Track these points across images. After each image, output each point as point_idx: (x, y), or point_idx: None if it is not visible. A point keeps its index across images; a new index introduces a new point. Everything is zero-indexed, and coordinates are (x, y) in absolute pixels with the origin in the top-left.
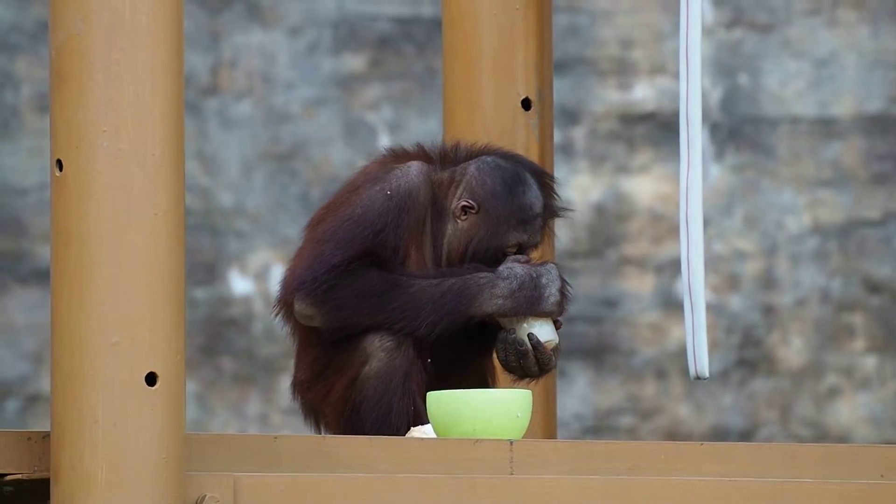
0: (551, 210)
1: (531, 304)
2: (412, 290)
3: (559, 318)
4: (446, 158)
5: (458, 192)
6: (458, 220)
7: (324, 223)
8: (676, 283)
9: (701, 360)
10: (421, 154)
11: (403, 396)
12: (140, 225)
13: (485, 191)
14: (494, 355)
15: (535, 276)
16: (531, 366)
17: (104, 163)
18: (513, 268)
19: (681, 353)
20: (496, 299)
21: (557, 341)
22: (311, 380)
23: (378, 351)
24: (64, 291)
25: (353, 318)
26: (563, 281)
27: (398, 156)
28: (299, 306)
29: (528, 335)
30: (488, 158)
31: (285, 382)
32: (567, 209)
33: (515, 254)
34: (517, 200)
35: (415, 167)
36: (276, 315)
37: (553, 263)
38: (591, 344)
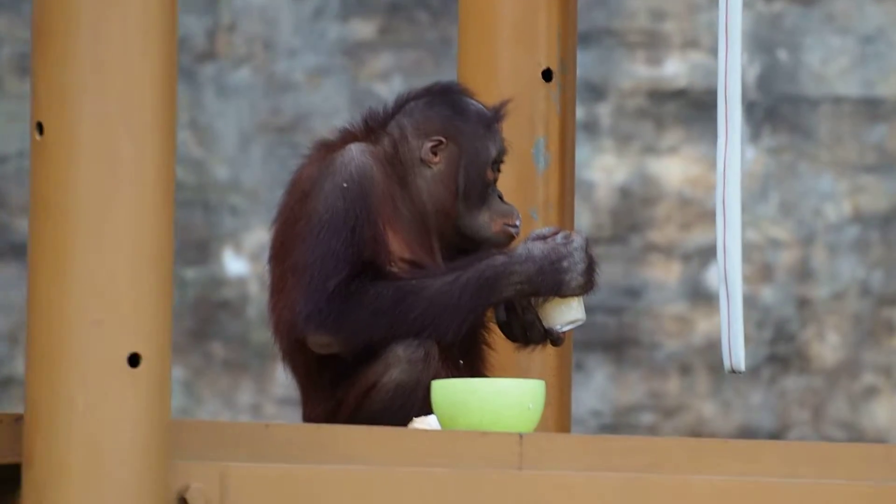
0: (497, 112)
1: (553, 288)
2: (427, 293)
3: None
4: (373, 127)
5: (413, 143)
6: (433, 165)
7: (293, 248)
8: (704, 272)
9: (737, 352)
10: (349, 135)
11: (423, 412)
12: (126, 195)
13: (440, 121)
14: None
15: (555, 257)
16: (536, 334)
17: (89, 127)
18: (531, 249)
19: (707, 348)
20: (514, 285)
21: (584, 319)
22: (326, 411)
23: (402, 361)
24: (42, 265)
25: (374, 336)
26: (589, 258)
27: (328, 147)
28: (314, 339)
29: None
30: (412, 103)
31: (280, 371)
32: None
33: (496, 170)
34: (470, 111)
35: (355, 148)
36: (283, 362)
37: (581, 236)
38: (612, 336)
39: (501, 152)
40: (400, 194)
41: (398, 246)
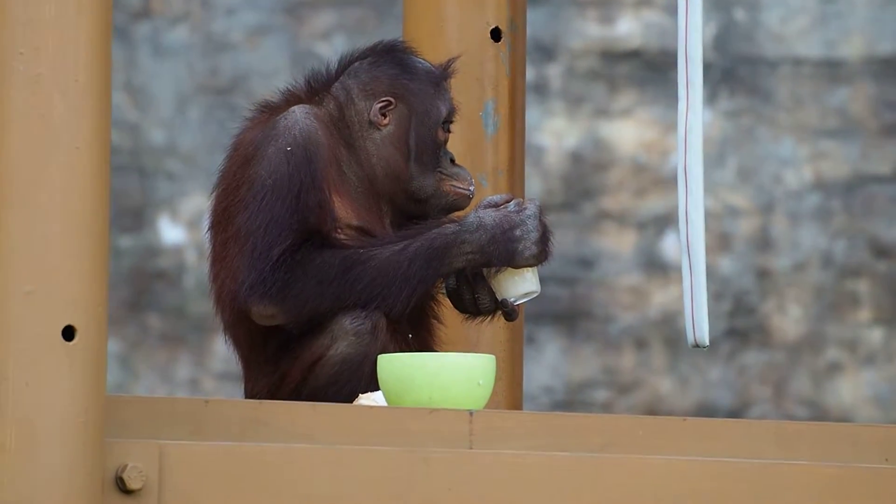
0: (445, 70)
1: (505, 258)
2: (375, 262)
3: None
4: (317, 89)
5: (360, 104)
6: (381, 127)
7: (236, 215)
8: (660, 241)
9: (700, 325)
10: (292, 97)
11: (369, 388)
12: (59, 160)
13: (388, 81)
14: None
15: (507, 226)
16: (487, 306)
17: (20, 89)
18: (482, 217)
19: (663, 321)
20: (465, 255)
21: (538, 291)
22: (269, 385)
23: (348, 334)
24: None
25: (320, 307)
26: (543, 226)
27: (271, 109)
28: (258, 309)
29: (502, 299)
30: (356, 63)
31: (219, 344)
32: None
33: (447, 130)
34: (418, 70)
35: (299, 110)
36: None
37: (534, 203)
38: (564, 308)
39: (451, 112)
40: (347, 158)
41: (345, 212)
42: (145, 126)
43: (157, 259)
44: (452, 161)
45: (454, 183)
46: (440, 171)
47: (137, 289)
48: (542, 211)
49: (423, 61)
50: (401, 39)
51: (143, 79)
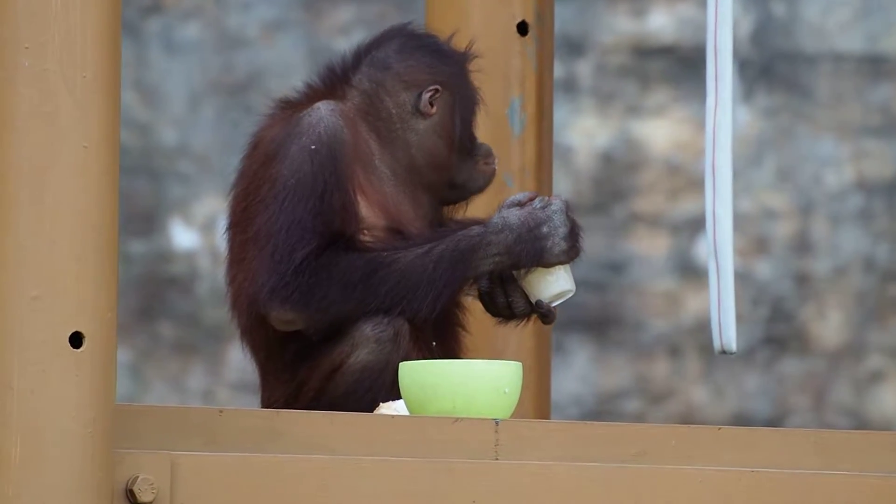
0: (468, 51)
1: (534, 257)
2: (400, 265)
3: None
4: (337, 83)
5: (401, 96)
6: (428, 117)
7: (256, 215)
8: (694, 245)
9: (727, 331)
10: (313, 92)
11: (391, 397)
12: (67, 159)
13: (426, 69)
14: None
15: (533, 223)
16: (521, 308)
17: (26, 85)
18: (507, 217)
19: (697, 328)
20: (492, 257)
21: (574, 290)
22: (286, 394)
23: (369, 341)
24: None
25: (343, 312)
26: (571, 222)
27: (292, 105)
28: (278, 314)
29: (537, 301)
30: (375, 53)
31: (233, 352)
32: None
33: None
34: (451, 54)
35: (323, 107)
36: (240, 340)
37: (560, 200)
38: (594, 315)
39: (477, 93)
40: (379, 152)
41: (372, 212)
42: (156, 126)
43: (168, 265)
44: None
45: (486, 161)
46: (476, 153)
47: (148, 295)
48: (568, 206)
49: (449, 45)
50: (411, 22)
51: (154, 77)
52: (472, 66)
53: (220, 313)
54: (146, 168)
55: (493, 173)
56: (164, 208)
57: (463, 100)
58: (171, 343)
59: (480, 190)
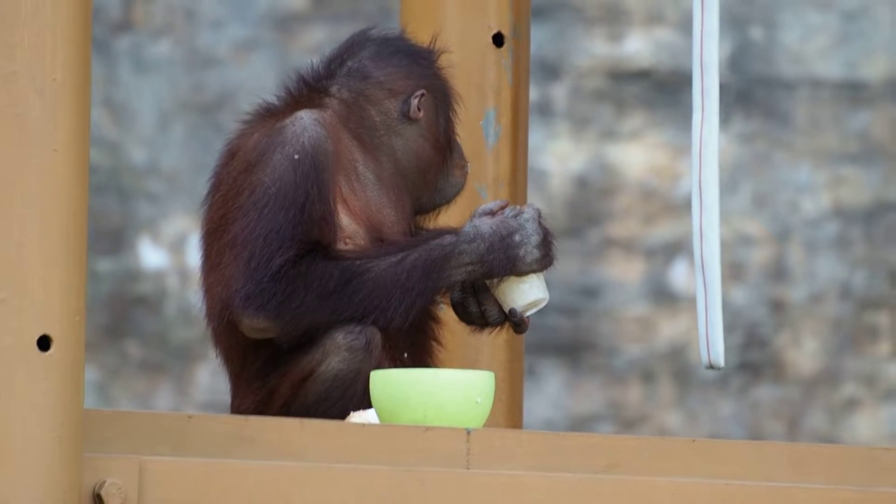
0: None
1: (507, 266)
2: (372, 275)
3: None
4: (314, 91)
5: (386, 103)
6: (417, 120)
7: (233, 222)
8: (669, 270)
9: (715, 346)
10: (293, 101)
11: (362, 406)
12: (36, 162)
13: (406, 74)
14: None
15: (505, 232)
16: (495, 317)
17: None
18: (478, 226)
19: (671, 353)
20: (465, 266)
21: (547, 298)
22: (256, 402)
23: (341, 349)
24: None
25: (316, 321)
26: (544, 231)
27: (272, 113)
28: (251, 322)
29: (511, 310)
30: (354, 62)
31: (202, 373)
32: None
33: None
34: (425, 56)
35: (306, 116)
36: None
37: (533, 208)
38: (566, 339)
39: (454, 92)
40: (363, 159)
41: (353, 220)
42: (126, 144)
43: (137, 284)
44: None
45: (461, 165)
46: (454, 156)
47: (116, 314)
48: (540, 214)
49: (420, 45)
50: (374, 26)
51: (124, 95)
52: (445, 65)
53: (188, 333)
54: (115, 186)
55: (463, 175)
56: (133, 227)
57: (444, 100)
58: (139, 362)
59: (457, 194)
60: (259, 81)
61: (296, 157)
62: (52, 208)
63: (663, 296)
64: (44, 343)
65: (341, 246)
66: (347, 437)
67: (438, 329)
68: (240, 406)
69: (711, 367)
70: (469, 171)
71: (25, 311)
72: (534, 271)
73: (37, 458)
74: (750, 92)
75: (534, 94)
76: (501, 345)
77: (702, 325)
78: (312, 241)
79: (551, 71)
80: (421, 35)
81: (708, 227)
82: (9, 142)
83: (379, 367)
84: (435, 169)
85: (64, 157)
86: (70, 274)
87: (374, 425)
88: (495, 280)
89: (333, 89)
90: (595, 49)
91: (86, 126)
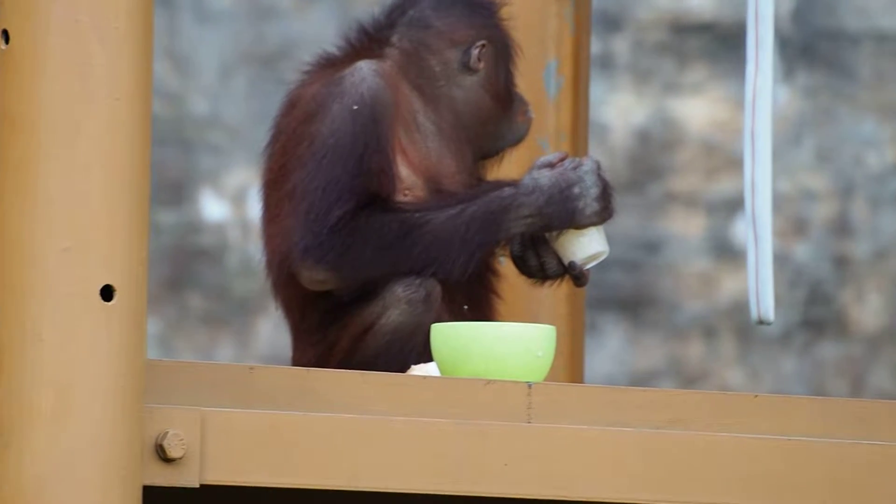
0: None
1: (566, 219)
2: (431, 227)
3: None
4: (375, 41)
5: (446, 53)
6: (478, 71)
7: (292, 173)
8: (731, 225)
9: (765, 300)
10: (353, 51)
11: (422, 359)
12: (99, 110)
13: (467, 24)
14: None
15: (564, 185)
16: (554, 269)
17: (58, 36)
18: (537, 178)
19: (734, 309)
20: (523, 219)
21: (607, 251)
22: (316, 355)
23: (401, 302)
24: (7, 187)
25: (375, 273)
26: (603, 183)
27: (332, 63)
28: (310, 274)
29: (570, 263)
30: (416, 11)
31: (263, 325)
32: None
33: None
34: (490, 6)
35: (365, 66)
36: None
37: (592, 160)
38: (627, 295)
39: (515, 43)
40: (423, 109)
41: (412, 171)
42: (187, 95)
43: (198, 236)
44: None
45: (524, 111)
46: (515, 105)
47: (177, 267)
48: (599, 166)
49: None
50: None
51: (186, 46)
52: (507, 16)
53: (249, 285)
54: (177, 138)
55: (527, 122)
56: (195, 179)
57: (504, 52)
58: (201, 315)
59: (521, 139)
60: (320, 32)
61: (354, 107)
62: (116, 158)
63: (725, 251)
64: (107, 293)
65: (400, 198)
66: (408, 390)
67: (497, 282)
68: (300, 359)
69: (761, 322)
70: (532, 115)
71: (89, 261)
72: (593, 224)
73: (100, 408)
74: (813, 45)
75: (595, 47)
76: (562, 298)
77: (752, 278)
78: (371, 193)
79: (613, 24)
80: None
81: (760, 180)
82: (71, 91)
83: (438, 319)
84: (495, 120)
85: (127, 106)
86: (133, 223)
87: (435, 378)
88: (554, 233)
89: (394, 39)
90: (657, 1)
91: (148, 75)
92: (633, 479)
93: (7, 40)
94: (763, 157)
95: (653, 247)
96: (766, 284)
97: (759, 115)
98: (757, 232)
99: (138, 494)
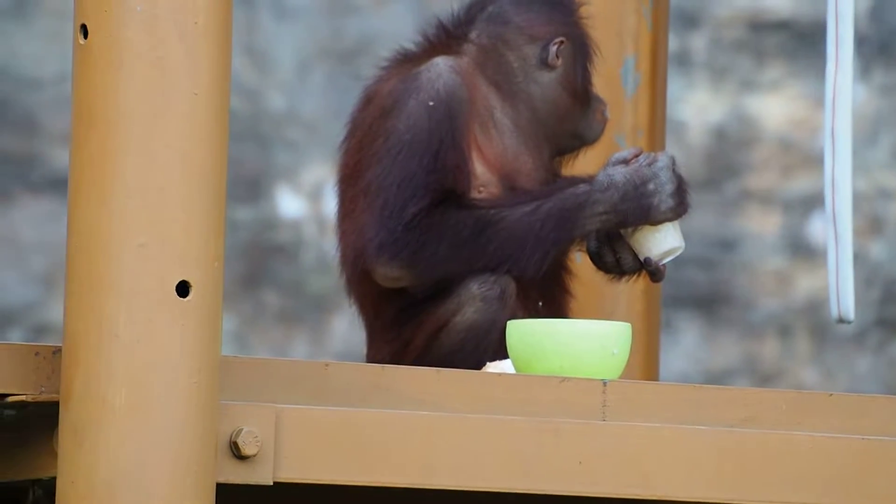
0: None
1: (641, 215)
2: (507, 223)
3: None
4: (453, 37)
5: (525, 49)
6: (555, 67)
7: (367, 168)
8: (808, 223)
9: (845, 299)
10: (430, 47)
11: (496, 357)
12: (177, 106)
13: (546, 21)
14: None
15: (639, 181)
16: (630, 265)
17: (137, 30)
18: (612, 175)
19: (809, 308)
20: (598, 216)
21: (683, 247)
22: (391, 352)
23: (476, 299)
24: (84, 182)
25: (450, 270)
26: (678, 179)
27: (409, 59)
28: (384, 271)
29: (646, 259)
30: (495, 7)
31: (338, 322)
32: None
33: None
34: (570, 4)
35: (442, 62)
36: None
37: (666, 156)
38: (703, 292)
39: (593, 42)
40: (500, 106)
41: (488, 168)
42: (265, 91)
43: (274, 233)
44: None
45: (601, 110)
46: (592, 104)
47: (253, 263)
48: (674, 162)
49: None
50: None
51: (264, 42)
52: (585, 15)
53: (325, 283)
54: (254, 134)
55: (604, 122)
56: (271, 175)
57: (582, 49)
58: (276, 312)
59: (597, 139)
60: (398, 28)
61: (430, 103)
62: (193, 152)
63: (801, 249)
64: (183, 289)
65: (475, 194)
66: (483, 387)
67: (570, 280)
68: (375, 356)
69: (841, 320)
70: (608, 115)
71: (165, 257)
72: (668, 220)
73: (174, 403)
74: (891, 43)
75: (672, 44)
76: (638, 296)
77: (832, 277)
78: (446, 190)
79: (690, 21)
80: None
81: (840, 178)
82: (150, 85)
83: (513, 317)
84: (572, 117)
85: (205, 100)
86: (210, 219)
87: (511, 375)
88: (630, 229)
89: (472, 35)
90: None
91: (227, 70)
92: (708, 478)
93: (86, 35)
94: (843, 155)
95: (729, 244)
96: (846, 283)
97: (839, 113)
98: (837, 230)
99: (211, 492)
